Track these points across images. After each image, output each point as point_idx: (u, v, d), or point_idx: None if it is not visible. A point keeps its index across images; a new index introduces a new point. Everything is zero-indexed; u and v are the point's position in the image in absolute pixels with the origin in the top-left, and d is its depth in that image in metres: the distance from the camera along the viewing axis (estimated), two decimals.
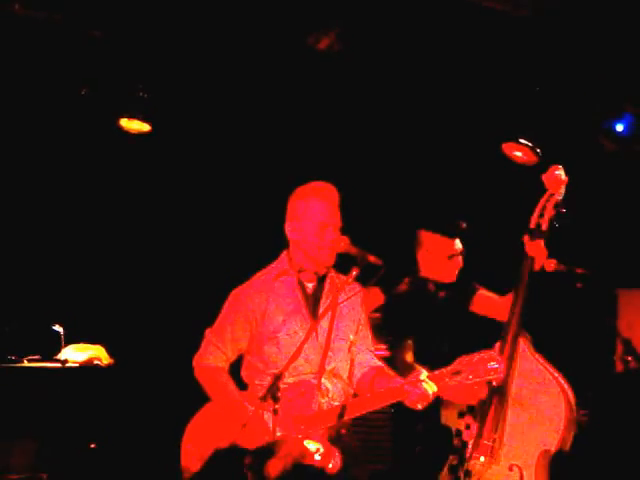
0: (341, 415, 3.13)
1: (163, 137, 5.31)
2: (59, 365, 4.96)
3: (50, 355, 5.00)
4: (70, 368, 4.98)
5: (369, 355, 3.46)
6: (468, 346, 3.71)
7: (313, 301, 3.38)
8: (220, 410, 3.32)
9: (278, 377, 3.04)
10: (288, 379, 3.23)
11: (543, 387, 3.51)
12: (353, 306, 3.43)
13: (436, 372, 3.13)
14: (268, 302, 3.35)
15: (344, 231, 3.33)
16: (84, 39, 4.66)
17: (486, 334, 3.89)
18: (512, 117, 4.83)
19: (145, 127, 5.14)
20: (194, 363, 3.41)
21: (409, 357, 4.04)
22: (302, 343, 3.15)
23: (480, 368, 3.07)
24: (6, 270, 5.34)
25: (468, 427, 3.58)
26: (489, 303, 3.96)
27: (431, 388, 3.09)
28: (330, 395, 3.27)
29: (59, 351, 5.04)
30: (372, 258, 3.22)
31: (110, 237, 5.61)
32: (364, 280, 3.41)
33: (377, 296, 4.59)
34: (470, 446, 3.52)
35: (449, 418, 3.64)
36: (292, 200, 3.41)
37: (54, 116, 5.20)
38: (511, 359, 3.52)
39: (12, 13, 4.45)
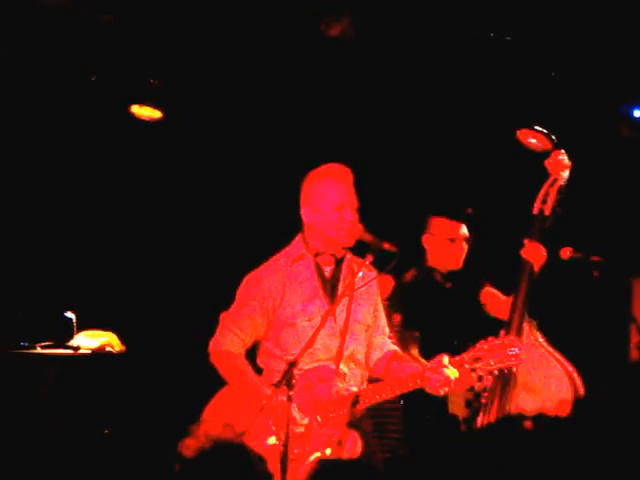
0: (357, 402, 3.13)
1: (175, 123, 5.29)
2: (72, 351, 4.96)
3: (63, 341, 5.00)
4: (82, 354, 4.97)
5: (385, 339, 3.45)
6: (474, 337, 3.72)
7: (331, 285, 3.35)
8: (238, 395, 3.29)
9: (293, 364, 3.02)
10: (305, 365, 3.21)
11: (548, 371, 3.56)
12: (370, 290, 3.40)
13: (456, 358, 3.13)
14: (285, 286, 3.32)
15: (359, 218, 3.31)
16: (95, 25, 4.65)
17: (491, 324, 3.90)
18: (527, 103, 4.80)
19: (156, 114, 5.13)
20: (210, 348, 3.36)
21: (414, 350, 4.01)
22: (319, 328, 3.13)
23: (501, 354, 3.06)
24: (19, 257, 5.34)
25: (475, 415, 3.60)
26: (494, 301, 3.94)
27: (453, 374, 3.08)
28: (347, 380, 3.26)
29: (71, 337, 5.04)
30: (387, 245, 3.21)
31: (122, 224, 5.60)
32: (378, 268, 3.39)
33: (389, 284, 4.56)
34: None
35: (456, 407, 3.64)
36: (306, 183, 3.38)
37: (65, 103, 5.18)
38: None
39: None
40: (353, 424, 3.17)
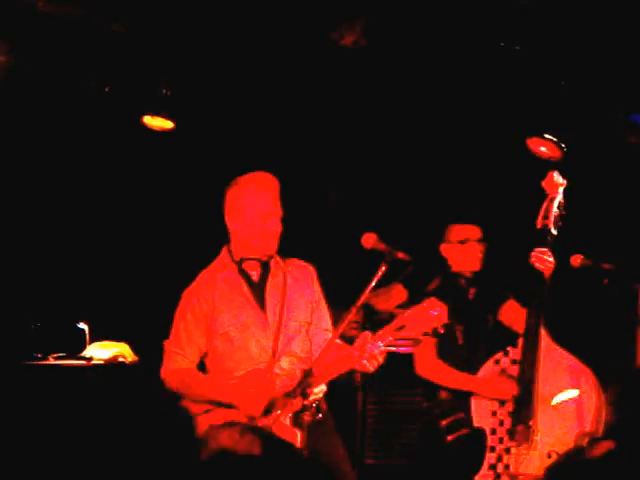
0: (301, 393, 3.10)
1: (186, 134, 5.31)
2: (84, 362, 4.99)
3: (75, 353, 5.02)
4: (95, 365, 5.00)
5: (327, 334, 3.41)
6: (498, 343, 3.76)
7: (259, 289, 3.37)
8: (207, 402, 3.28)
9: (308, 373, 3.04)
10: (240, 371, 3.25)
11: (569, 370, 3.63)
12: (304, 286, 3.41)
13: (380, 331, 3.12)
14: (214, 298, 3.35)
15: (372, 229, 3.32)
16: (107, 36, 4.67)
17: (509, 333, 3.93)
18: (537, 112, 4.82)
19: (168, 124, 5.15)
20: (162, 376, 3.40)
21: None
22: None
23: (423, 318, 3.06)
24: (31, 268, 5.37)
25: (502, 423, 3.64)
26: (515, 315, 3.98)
27: (377, 348, 3.07)
28: (287, 374, 3.27)
29: (84, 348, 5.07)
30: (400, 254, 3.21)
31: (135, 235, 5.62)
32: (392, 277, 3.41)
33: (400, 293, 4.59)
34: (506, 441, 3.60)
35: (482, 418, 3.69)
36: (231, 191, 3.41)
37: (77, 113, 5.21)
38: (535, 349, 3.62)
39: (36, 10, 4.47)
40: (298, 423, 3.14)
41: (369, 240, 3.25)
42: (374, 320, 4.73)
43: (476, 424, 3.69)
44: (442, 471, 3.84)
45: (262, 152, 5.43)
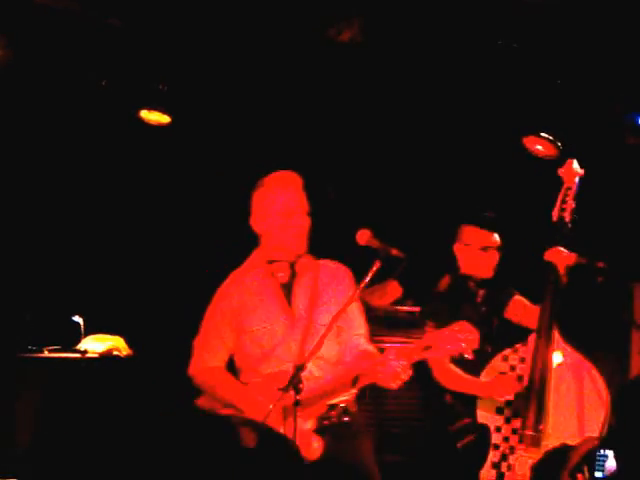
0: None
1: (183, 129, 5.32)
2: (79, 355, 5.00)
3: (70, 345, 5.03)
4: (90, 358, 5.01)
5: (360, 339, 3.39)
6: (508, 343, 3.73)
7: (288, 290, 3.37)
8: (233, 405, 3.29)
9: (300, 367, 3.04)
10: (267, 370, 3.26)
11: (582, 374, 3.55)
12: (335, 288, 3.39)
13: (405, 350, 3.12)
14: (243, 298, 3.37)
15: (367, 224, 3.33)
16: (104, 30, 4.68)
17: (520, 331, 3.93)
18: (533, 110, 4.83)
19: (165, 119, 5.16)
20: (190, 373, 3.42)
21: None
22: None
23: (451, 341, 3.05)
24: (26, 261, 5.38)
25: (508, 421, 3.58)
26: (524, 310, 3.95)
27: (401, 366, 3.06)
28: (314, 378, 3.24)
29: (79, 341, 5.08)
30: (395, 251, 3.22)
31: (130, 228, 5.63)
32: (386, 274, 3.41)
33: (395, 289, 4.60)
34: (511, 440, 3.54)
35: (487, 415, 3.64)
36: (256, 193, 3.41)
37: (74, 107, 5.22)
38: (547, 347, 3.57)
39: (32, 3, 4.47)
40: (320, 429, 3.16)
41: (363, 236, 3.26)
42: (369, 317, 4.73)
43: (480, 421, 3.63)
44: (446, 467, 3.80)
45: (259, 148, 5.46)
